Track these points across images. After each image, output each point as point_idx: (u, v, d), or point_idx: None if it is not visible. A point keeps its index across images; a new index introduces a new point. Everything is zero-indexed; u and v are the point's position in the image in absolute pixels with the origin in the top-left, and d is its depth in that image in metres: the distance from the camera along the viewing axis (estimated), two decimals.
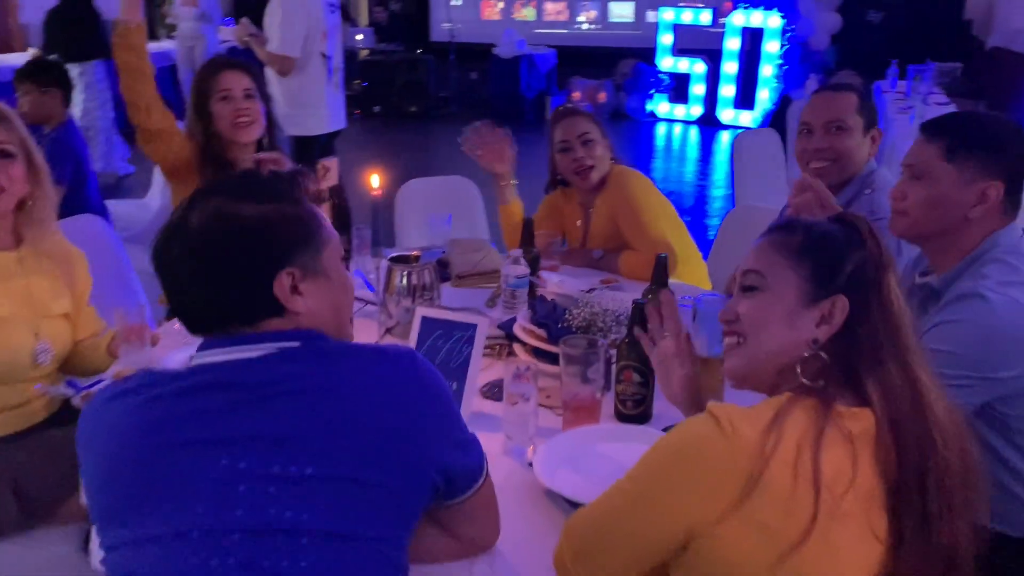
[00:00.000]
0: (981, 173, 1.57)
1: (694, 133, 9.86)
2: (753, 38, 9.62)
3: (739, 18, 9.57)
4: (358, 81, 10.48)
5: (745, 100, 9.75)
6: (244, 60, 2.58)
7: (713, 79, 9.95)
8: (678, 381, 1.38)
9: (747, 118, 9.70)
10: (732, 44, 9.71)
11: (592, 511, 1.12)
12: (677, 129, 10.09)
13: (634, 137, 9.75)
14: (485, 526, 1.21)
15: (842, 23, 9.35)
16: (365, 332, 2.01)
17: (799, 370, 1.08)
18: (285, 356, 1.05)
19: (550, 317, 1.79)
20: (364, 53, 11.07)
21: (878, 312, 1.09)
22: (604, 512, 1.10)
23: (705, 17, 9.98)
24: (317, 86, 4.19)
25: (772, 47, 9.47)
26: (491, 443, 1.51)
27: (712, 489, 0.99)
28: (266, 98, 2.50)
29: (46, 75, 3.43)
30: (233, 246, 1.07)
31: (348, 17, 11.55)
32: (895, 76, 6.86)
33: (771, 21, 9.39)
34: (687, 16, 10.05)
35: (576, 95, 10.39)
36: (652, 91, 10.32)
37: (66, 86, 3.48)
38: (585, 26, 11.32)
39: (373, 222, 2.13)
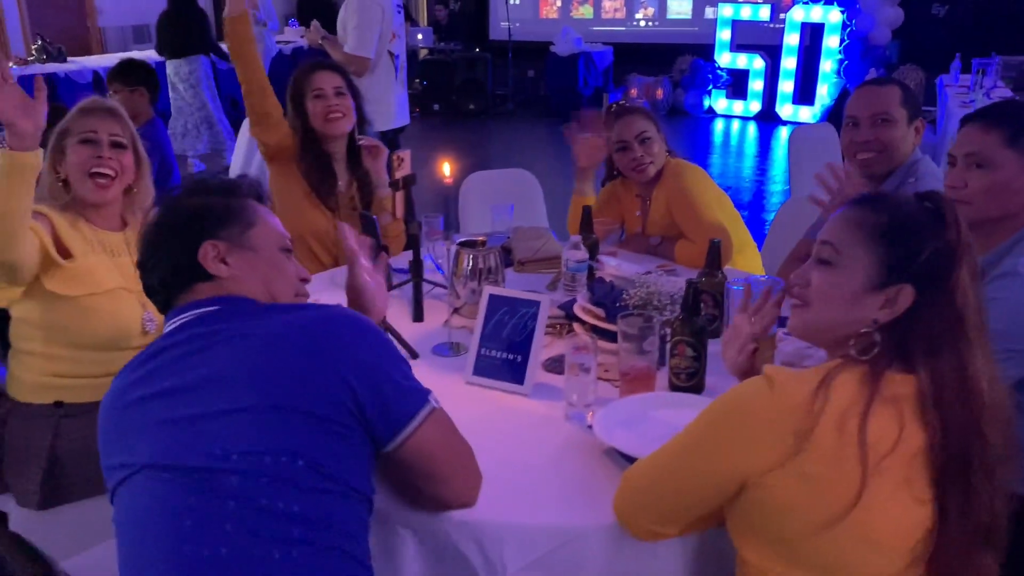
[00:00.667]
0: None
1: (752, 129, 9.83)
2: (813, 33, 9.56)
3: (799, 13, 9.51)
4: (418, 80, 10.69)
5: (804, 96, 9.69)
6: (334, 63, 2.82)
7: (772, 75, 9.91)
8: (745, 354, 1.48)
9: (806, 113, 9.63)
10: (791, 39, 9.66)
11: (650, 462, 1.25)
12: (735, 125, 10.06)
13: (692, 133, 9.76)
14: (444, 481, 1.27)
15: (904, 17, 9.22)
16: (435, 313, 2.15)
17: (852, 343, 1.16)
18: (203, 319, 1.27)
19: (608, 297, 1.90)
20: (424, 52, 11.29)
21: (942, 305, 1.13)
22: (661, 462, 1.23)
23: (764, 13, 9.94)
24: (385, 84, 4.38)
25: (832, 42, 9.39)
26: (554, 411, 1.65)
27: (763, 442, 1.09)
28: (355, 94, 2.71)
29: (134, 75, 3.67)
30: (167, 225, 1.35)
31: (409, 17, 11.79)
32: (958, 70, 6.78)
33: (831, 16, 9.32)
34: (746, 12, 10.02)
35: (633, 92, 10.44)
36: (710, 87, 10.32)
37: (153, 85, 3.71)
38: (642, 23, 11.35)
39: (445, 209, 2.28)
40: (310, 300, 1.49)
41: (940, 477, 1.11)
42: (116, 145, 1.95)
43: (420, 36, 11.00)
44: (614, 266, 2.19)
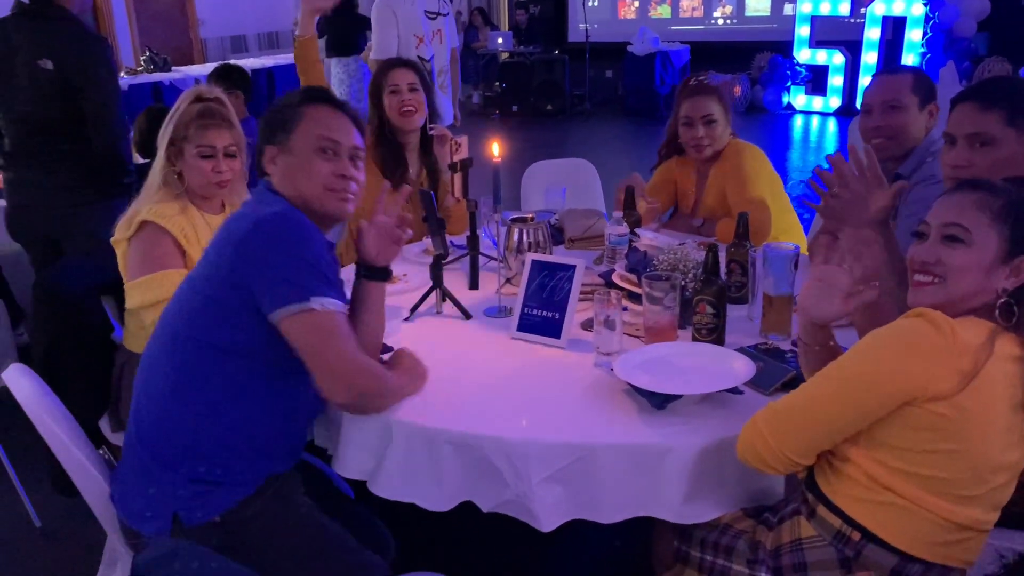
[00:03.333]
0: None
1: (832, 124, 9.77)
2: (895, 27, 9.45)
3: (880, 7, 9.42)
4: (498, 83, 11.00)
5: None
6: (411, 60, 3.10)
7: (852, 70, 9.82)
8: (856, 301, 1.55)
9: None
10: (872, 34, 9.58)
11: (794, 400, 1.41)
12: (815, 121, 10.02)
13: (770, 130, 9.75)
14: (312, 371, 1.49)
15: (991, 9, 9.02)
16: (490, 283, 2.39)
17: (997, 314, 1.35)
18: (244, 206, 1.69)
19: (640, 264, 2.11)
20: (504, 56, 11.60)
21: None
22: (811, 399, 1.38)
23: (844, 8, 9.87)
24: None
25: (915, 35, 9.28)
26: (585, 360, 1.88)
27: (939, 371, 1.27)
28: (428, 89, 2.98)
29: (232, 79, 4.05)
30: (260, 129, 1.77)
31: (489, 22, 12.13)
32: None
33: (914, 9, 9.21)
34: (825, 7, 9.97)
35: None
36: (789, 83, 10.29)
37: (246, 87, 4.08)
38: (720, 21, 11.40)
39: (495, 189, 2.51)
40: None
41: None
42: (229, 155, 2.28)
43: (500, 40, 11.31)
44: (650, 238, 2.40)
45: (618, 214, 2.43)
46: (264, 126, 1.71)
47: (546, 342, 1.97)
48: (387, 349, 1.87)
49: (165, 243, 2.13)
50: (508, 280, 2.31)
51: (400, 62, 3.02)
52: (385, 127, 2.96)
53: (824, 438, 1.39)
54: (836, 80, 10.00)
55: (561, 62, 10.86)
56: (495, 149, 2.15)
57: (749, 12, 11.17)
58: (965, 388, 1.25)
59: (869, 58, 9.65)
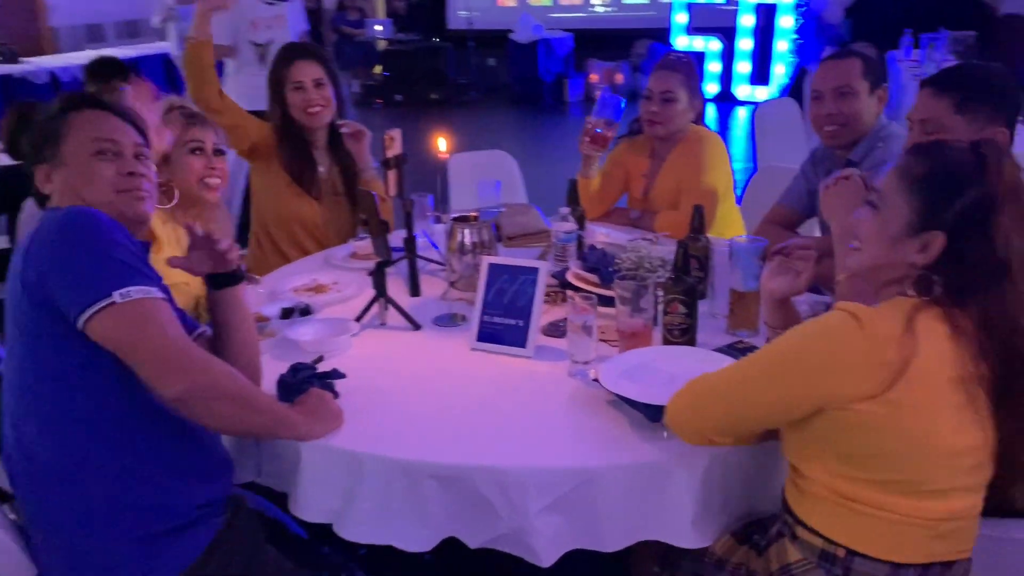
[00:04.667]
0: (988, 122, 1.77)
1: (711, 110, 9.99)
2: (767, 14, 9.74)
3: None
4: (379, 70, 10.70)
5: (760, 76, 9.87)
6: (313, 45, 2.82)
7: (728, 56, 10.07)
8: (783, 283, 1.61)
9: (763, 93, 9.80)
10: (746, 21, 9.84)
11: (721, 377, 1.35)
12: None
13: None
14: (139, 362, 1.32)
15: None
16: (430, 287, 2.22)
17: (913, 288, 1.27)
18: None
19: (601, 263, 2.00)
20: (383, 44, 11.28)
21: (979, 252, 1.22)
22: (734, 380, 1.33)
23: None
24: (250, 70, 4.56)
25: (786, 22, 9.58)
26: (557, 369, 1.74)
27: (857, 373, 1.19)
28: (336, 81, 2.73)
29: (111, 72, 3.65)
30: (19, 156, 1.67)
31: (359, 9, 11.77)
32: (909, 46, 6.98)
33: None
34: None
35: (594, 77, 10.55)
36: None
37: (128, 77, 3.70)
38: (600, 9, 11.48)
39: (434, 188, 2.34)
40: (308, 280, 1.60)
41: (997, 402, 1.23)
42: (218, 152, 2.18)
43: (379, 28, 11.00)
44: (604, 234, 2.29)
45: (564, 209, 2.30)
46: (28, 147, 1.57)
47: (510, 352, 1.82)
48: (338, 375, 1.66)
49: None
50: (452, 284, 2.15)
51: (302, 52, 2.75)
52: (288, 125, 2.72)
53: (740, 422, 1.34)
54: (713, 66, 10.22)
55: (444, 50, 10.66)
56: (441, 144, 1.98)
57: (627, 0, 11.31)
58: (895, 384, 1.18)
59: (744, 44, 9.92)
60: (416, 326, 1.98)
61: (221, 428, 1.46)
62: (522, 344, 1.81)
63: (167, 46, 8.14)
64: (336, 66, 2.79)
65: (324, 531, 1.53)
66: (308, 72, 2.68)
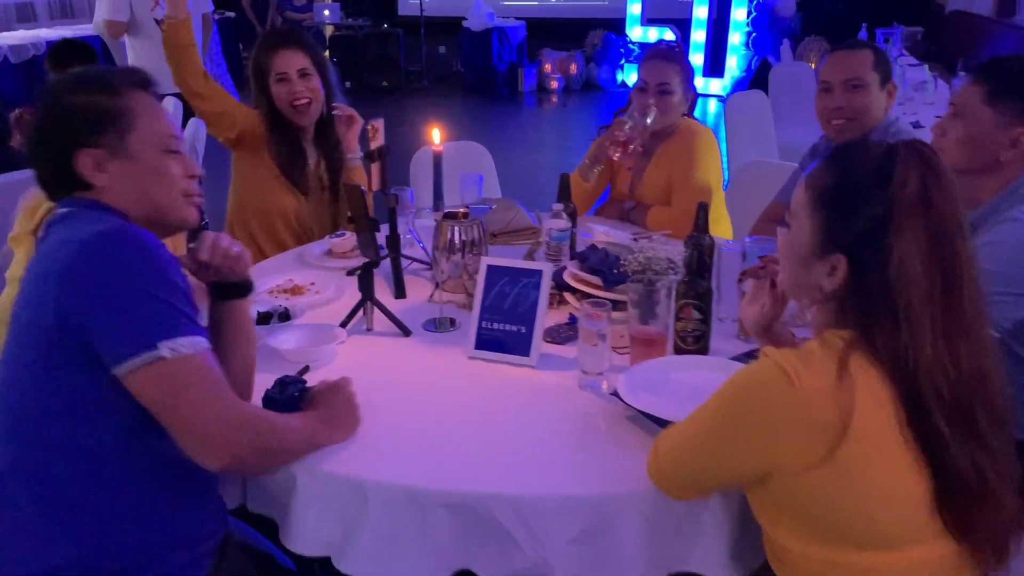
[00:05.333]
0: (1019, 119, 1.67)
1: None
2: (721, 6, 9.73)
3: None
4: (327, 56, 10.39)
5: (714, 68, 9.88)
6: (297, 31, 2.61)
7: (682, 47, 10.05)
8: (755, 312, 1.46)
9: (717, 85, 9.83)
10: (700, 12, 9.83)
11: (676, 436, 1.22)
12: None
13: (605, 107, 9.84)
14: (179, 430, 1.18)
15: None
16: (416, 289, 2.08)
17: (823, 315, 1.15)
18: (55, 220, 1.28)
19: (604, 264, 1.88)
20: (331, 29, 10.97)
21: (875, 279, 1.08)
22: (687, 437, 1.20)
23: None
24: (157, 50, 4.47)
25: (740, 15, 9.60)
26: (565, 380, 1.62)
27: (794, 443, 1.05)
28: (324, 69, 2.53)
29: (73, 57, 3.33)
30: (45, 127, 1.32)
31: None
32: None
33: None
34: None
35: (547, 67, 10.43)
36: (622, 61, 10.41)
37: (94, 60, 3.42)
38: None
39: (435, 184, 2.19)
40: (284, 280, 1.46)
41: (921, 439, 1.07)
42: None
43: (327, 12, 10.68)
44: (603, 232, 2.17)
45: (557, 206, 2.17)
46: (71, 122, 1.30)
47: (512, 360, 1.69)
48: (297, 383, 1.50)
49: None
50: (438, 285, 2.02)
51: (284, 39, 2.52)
52: (276, 116, 2.52)
53: (708, 480, 1.21)
54: None
55: (395, 36, 10.42)
56: (436, 136, 1.83)
57: None
58: (838, 446, 1.03)
59: (698, 36, 9.90)
60: (406, 332, 1.84)
61: (258, 475, 1.35)
62: (525, 352, 1.68)
63: None
64: (322, 53, 2.60)
65: (317, 562, 1.39)
66: (292, 62, 2.47)
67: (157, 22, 4.68)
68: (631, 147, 2.41)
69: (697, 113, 9.62)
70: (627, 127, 2.42)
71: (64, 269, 1.17)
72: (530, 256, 2.29)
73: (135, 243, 1.19)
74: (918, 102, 4.36)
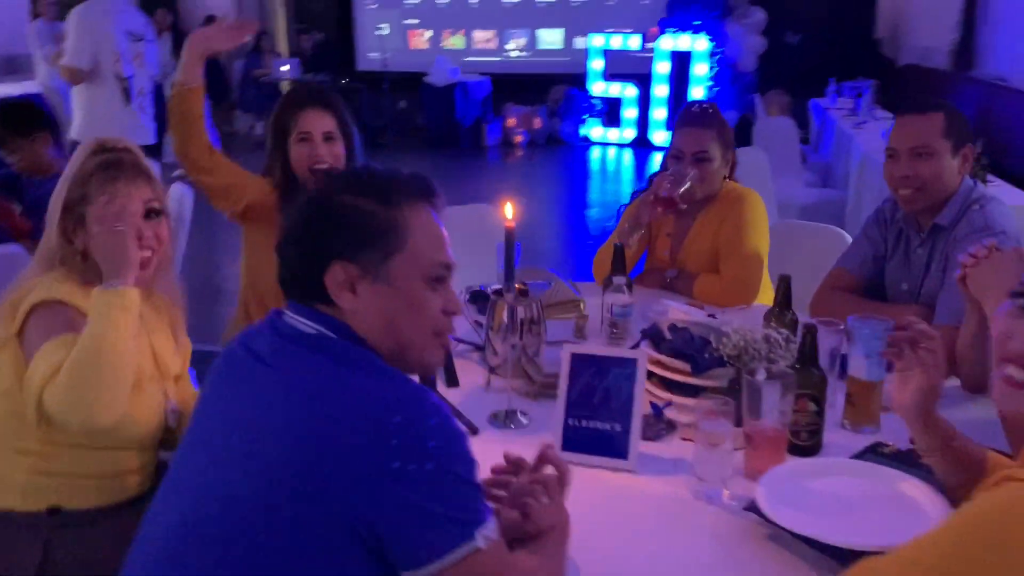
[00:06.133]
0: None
1: (628, 156, 9.99)
2: (681, 61, 9.83)
3: (667, 42, 9.76)
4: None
5: None
6: (327, 91, 2.36)
7: (644, 102, 10.10)
8: (914, 396, 1.27)
9: None
10: (662, 68, 9.90)
11: (888, 570, 1.00)
12: (611, 152, 10.20)
13: (569, 161, 9.82)
14: None
15: (767, 45, 9.65)
16: (466, 373, 1.86)
17: None
18: (291, 330, 1.10)
19: (691, 347, 1.68)
20: (286, 85, 10.77)
21: None
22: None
23: (634, 42, 10.14)
24: (111, 105, 4.49)
25: (701, 69, 9.70)
26: (672, 487, 1.41)
27: None
28: (349, 134, 2.30)
29: (30, 120, 3.06)
30: (307, 224, 1.14)
31: (272, 49, 11.27)
32: (835, 94, 7.10)
33: (698, 44, 9.63)
34: (616, 41, 10.20)
35: (511, 122, 10.38)
36: (585, 116, 10.41)
37: (53, 127, 3.12)
38: (515, 54, 11.36)
39: (507, 263, 1.96)
40: None
41: None
42: (152, 214, 1.62)
43: (286, 67, 10.48)
44: (682, 311, 1.98)
45: (618, 279, 1.98)
46: (334, 227, 1.12)
47: (607, 463, 1.48)
48: None
49: (73, 313, 1.50)
50: (493, 370, 1.81)
51: (316, 98, 2.28)
52: (291, 179, 2.27)
53: None
54: (630, 112, 10.23)
55: (358, 91, 10.26)
56: (508, 210, 1.63)
57: (542, 45, 11.20)
58: None
59: (659, 91, 9.96)
60: (474, 430, 1.62)
61: None
62: (622, 454, 1.47)
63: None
64: (350, 117, 2.33)
65: None
66: (319, 123, 2.24)
67: (120, 79, 4.59)
68: (676, 199, 2.25)
69: (654, 165, 9.69)
70: (668, 183, 2.26)
71: (341, 442, 0.97)
72: (580, 333, 2.09)
73: (435, 409, 1.01)
74: None
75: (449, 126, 10.00)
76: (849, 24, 10.13)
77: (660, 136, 9.97)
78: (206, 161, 2.27)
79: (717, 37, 9.47)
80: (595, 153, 10.20)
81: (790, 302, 1.81)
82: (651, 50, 9.96)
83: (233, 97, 11.17)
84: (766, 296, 2.44)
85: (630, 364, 1.51)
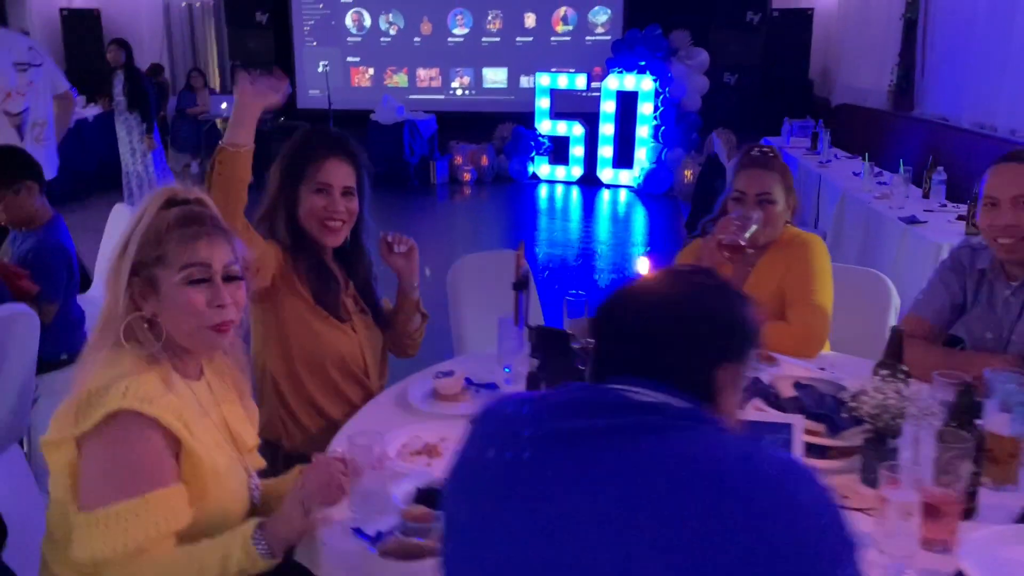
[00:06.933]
0: None
1: (576, 193, 10.03)
2: (627, 101, 9.96)
3: (613, 82, 9.89)
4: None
5: (623, 160, 10.04)
6: (349, 140, 2.15)
7: (591, 141, 10.19)
8: None
9: (626, 177, 9.99)
10: (608, 107, 10.01)
11: None
12: (559, 190, 10.23)
13: (517, 199, 9.80)
14: None
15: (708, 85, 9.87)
16: None
17: None
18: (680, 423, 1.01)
19: (823, 407, 1.60)
20: (221, 123, 10.45)
21: None
22: None
23: (580, 82, 10.24)
24: (5, 140, 4.36)
25: (647, 108, 9.84)
26: None
27: None
28: (363, 188, 2.13)
29: (13, 169, 2.79)
30: (711, 320, 1.11)
31: (206, 84, 10.94)
32: (790, 133, 7.27)
33: (644, 84, 9.78)
34: (563, 81, 10.28)
35: (459, 159, 10.31)
36: (533, 154, 10.43)
37: (38, 175, 2.86)
38: (459, 92, 11.33)
39: (518, 312, 1.85)
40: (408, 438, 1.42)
41: None
42: (230, 278, 1.43)
43: (225, 105, 10.17)
44: (806, 368, 1.89)
45: None
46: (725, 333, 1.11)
47: None
48: None
49: (154, 443, 1.27)
50: None
51: (339, 148, 2.09)
52: (298, 231, 2.07)
53: None
54: (577, 150, 10.29)
55: (297, 129, 10.02)
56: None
57: (487, 84, 11.21)
58: None
59: (606, 129, 10.06)
60: None
61: None
62: None
63: None
64: (369, 170, 2.17)
65: None
66: (340, 176, 2.06)
67: (10, 115, 4.42)
68: (743, 244, 2.17)
69: (608, 204, 9.78)
70: (734, 227, 2.18)
71: (779, 532, 0.89)
72: None
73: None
74: (898, 196, 4.40)
75: (397, 164, 9.86)
76: (783, 66, 10.50)
77: (607, 174, 10.07)
78: (241, 232, 1.87)
79: (662, 77, 9.63)
80: (543, 191, 10.22)
81: (901, 354, 1.75)
82: (597, 89, 10.07)
83: (166, 136, 10.78)
84: (828, 345, 2.40)
85: (785, 429, 1.42)
